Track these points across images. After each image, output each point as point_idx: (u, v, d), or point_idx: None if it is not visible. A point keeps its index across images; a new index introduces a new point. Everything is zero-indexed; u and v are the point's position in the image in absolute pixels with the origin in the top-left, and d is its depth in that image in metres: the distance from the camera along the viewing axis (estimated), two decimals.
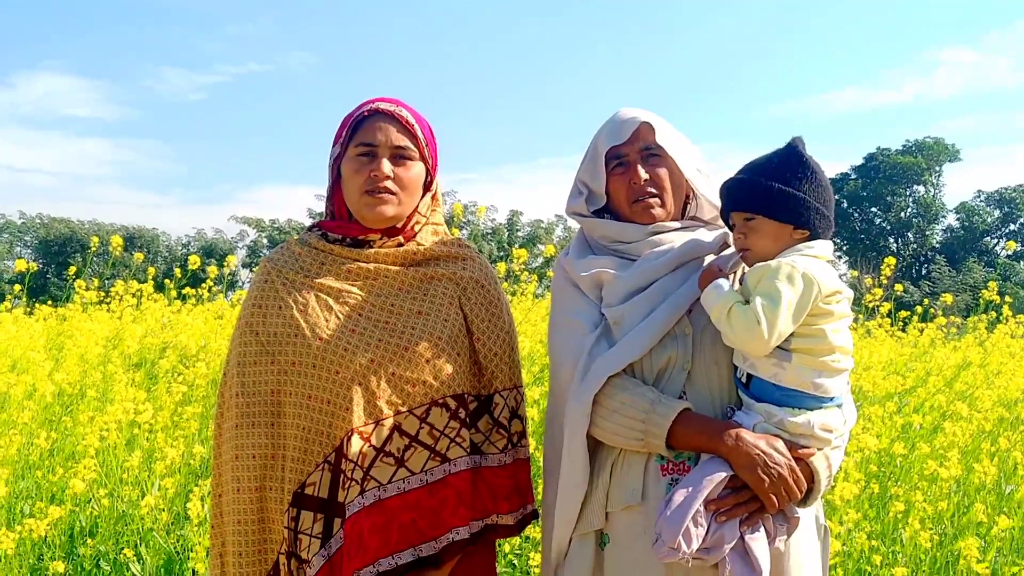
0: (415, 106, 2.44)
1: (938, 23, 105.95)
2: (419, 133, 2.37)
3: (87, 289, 7.75)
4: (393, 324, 2.29)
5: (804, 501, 2.14)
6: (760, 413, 2.12)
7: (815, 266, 2.09)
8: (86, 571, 4.09)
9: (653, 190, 2.34)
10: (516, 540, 4.11)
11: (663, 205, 2.35)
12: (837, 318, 2.12)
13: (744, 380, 2.16)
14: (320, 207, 2.43)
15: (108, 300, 8.20)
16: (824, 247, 2.17)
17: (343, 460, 2.20)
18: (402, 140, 2.34)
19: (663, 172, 2.35)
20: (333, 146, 2.41)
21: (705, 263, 2.28)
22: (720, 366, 2.21)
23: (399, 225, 2.39)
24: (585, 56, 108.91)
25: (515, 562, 4.22)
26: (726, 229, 2.31)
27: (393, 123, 2.34)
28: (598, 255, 2.36)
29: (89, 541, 4.09)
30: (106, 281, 8.77)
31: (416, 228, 2.42)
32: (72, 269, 8.05)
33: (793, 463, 2.07)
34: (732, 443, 2.07)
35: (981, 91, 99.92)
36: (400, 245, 2.39)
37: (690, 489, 2.05)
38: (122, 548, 4.06)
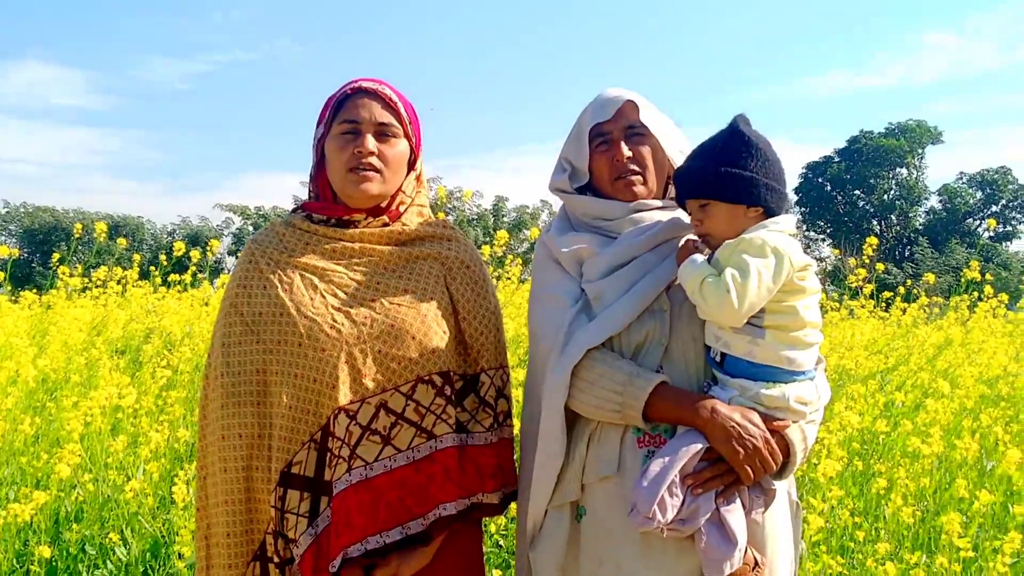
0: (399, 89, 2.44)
1: (921, 6, 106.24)
2: (402, 111, 2.38)
3: (71, 276, 7.71)
4: (379, 302, 2.29)
5: (780, 474, 2.17)
6: (735, 388, 2.14)
7: (783, 240, 2.12)
8: (72, 556, 4.08)
9: (635, 167, 2.36)
10: (502, 520, 4.12)
11: (645, 183, 2.37)
12: (808, 294, 2.15)
13: (717, 359, 2.18)
14: (304, 194, 2.44)
15: (92, 287, 8.17)
16: (788, 221, 2.19)
17: (329, 438, 2.21)
18: (386, 117, 2.34)
19: (646, 150, 2.37)
20: (317, 127, 2.40)
21: (683, 241, 2.29)
22: (697, 342, 2.23)
23: (383, 204, 2.39)
24: (570, 41, 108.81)
25: (501, 543, 4.24)
26: None
27: (376, 100, 2.35)
28: (580, 232, 2.37)
29: (74, 526, 4.08)
30: (90, 269, 8.72)
31: (401, 208, 2.42)
32: (56, 256, 8.00)
33: (768, 435, 2.10)
34: (707, 415, 2.09)
35: (964, 74, 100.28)
36: (385, 225, 2.39)
37: (666, 460, 2.07)
38: (107, 532, 4.05)
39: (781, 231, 2.15)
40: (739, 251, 2.09)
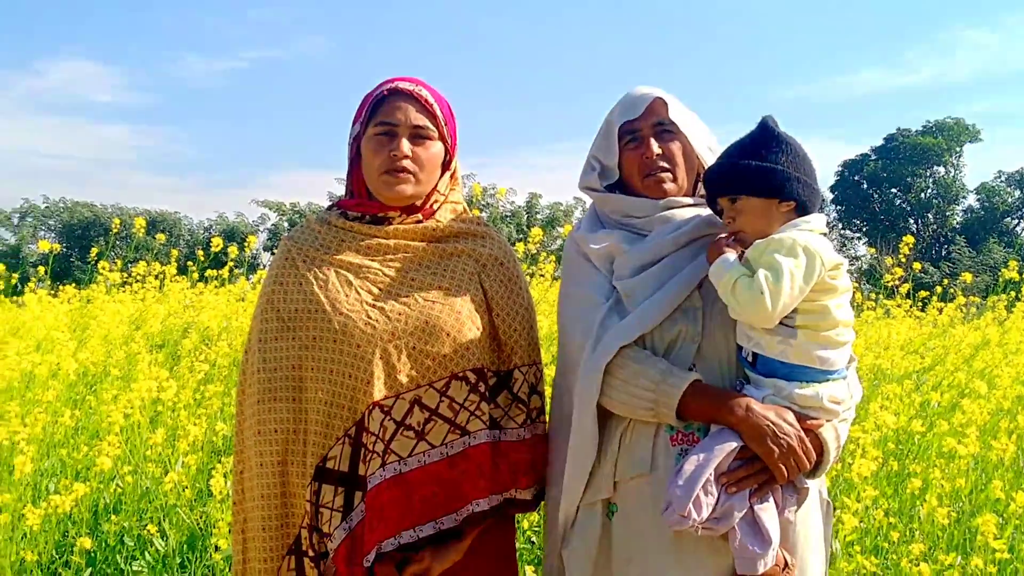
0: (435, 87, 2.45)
1: (957, 3, 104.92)
2: (438, 112, 2.39)
3: (110, 271, 7.80)
4: (413, 299, 2.31)
5: (813, 472, 2.16)
6: (769, 387, 2.14)
7: (814, 239, 2.12)
8: (110, 547, 4.14)
9: (665, 164, 2.36)
10: (534, 517, 4.13)
11: (675, 180, 2.37)
12: (840, 293, 2.14)
13: (749, 359, 2.18)
14: (340, 191, 2.48)
15: (131, 281, 8.26)
16: (818, 221, 2.19)
17: (364, 433, 2.23)
18: (421, 120, 2.36)
19: (675, 147, 2.37)
20: (353, 125, 2.42)
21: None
22: (729, 340, 2.23)
23: (418, 203, 2.41)
24: (604, 39, 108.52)
25: (533, 539, 4.25)
26: None
27: (412, 103, 2.36)
28: (610, 230, 2.38)
29: (113, 517, 4.14)
30: (129, 264, 8.82)
31: (435, 207, 2.44)
32: (95, 251, 8.09)
33: (802, 434, 2.10)
34: (742, 413, 2.09)
35: (1002, 72, 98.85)
36: (419, 222, 2.41)
37: (701, 458, 2.07)
38: (146, 524, 4.11)
39: (812, 230, 2.15)
40: (770, 251, 2.09)
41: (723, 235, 2.23)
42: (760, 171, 2.15)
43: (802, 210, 2.18)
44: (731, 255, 2.14)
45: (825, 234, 2.20)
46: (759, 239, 2.14)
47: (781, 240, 2.10)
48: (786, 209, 2.18)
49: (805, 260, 2.07)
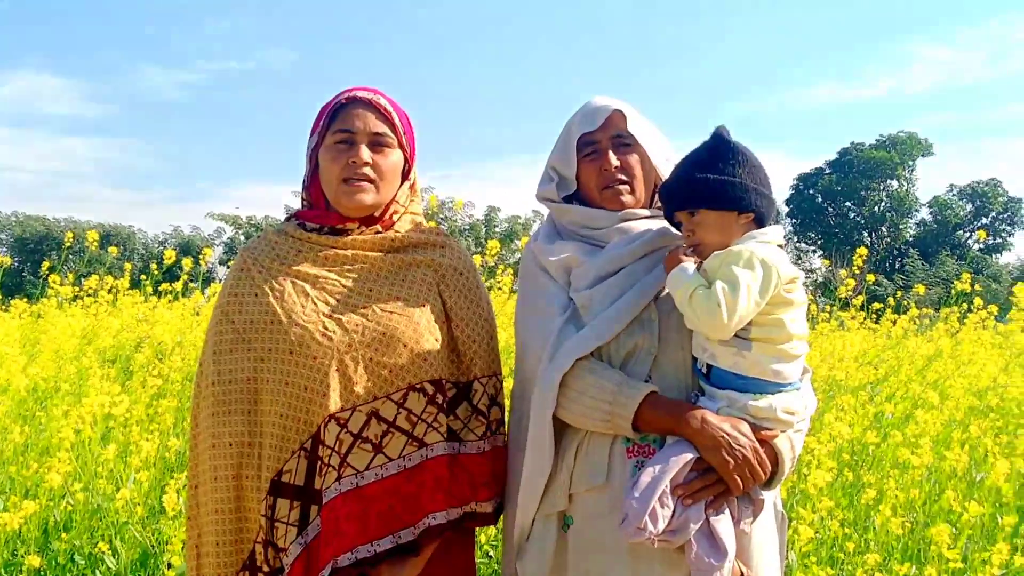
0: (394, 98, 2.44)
1: (913, 19, 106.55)
2: (397, 121, 2.38)
3: (62, 284, 7.69)
4: (370, 309, 2.29)
5: (768, 484, 2.17)
6: (723, 399, 2.14)
7: (771, 252, 2.12)
8: (60, 565, 4.06)
9: (623, 177, 2.36)
10: (491, 530, 4.12)
11: (633, 192, 2.37)
12: (795, 306, 2.15)
13: (704, 371, 2.18)
14: (297, 204, 2.47)
15: (83, 295, 8.15)
16: (775, 232, 2.20)
17: (320, 447, 2.21)
18: (380, 127, 2.34)
19: (634, 159, 2.37)
20: (311, 136, 2.41)
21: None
22: (686, 352, 2.23)
23: (377, 214, 2.39)
24: (560, 53, 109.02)
25: (491, 552, 4.23)
26: None
27: (371, 110, 2.35)
28: (567, 240, 2.37)
29: (64, 535, 4.07)
30: (81, 277, 8.70)
31: (394, 217, 2.43)
32: (46, 265, 7.97)
33: (757, 445, 2.10)
34: (698, 425, 2.09)
35: (954, 87, 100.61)
36: (378, 233, 2.39)
37: (657, 469, 2.07)
38: (97, 542, 4.04)
39: (769, 242, 2.16)
40: (728, 263, 2.09)
41: (680, 245, 2.23)
42: (718, 184, 2.15)
43: (759, 221, 2.19)
44: (689, 266, 2.14)
45: (782, 246, 2.21)
46: (717, 251, 2.15)
47: (739, 252, 2.10)
48: (745, 221, 2.18)
49: (762, 273, 2.07)
